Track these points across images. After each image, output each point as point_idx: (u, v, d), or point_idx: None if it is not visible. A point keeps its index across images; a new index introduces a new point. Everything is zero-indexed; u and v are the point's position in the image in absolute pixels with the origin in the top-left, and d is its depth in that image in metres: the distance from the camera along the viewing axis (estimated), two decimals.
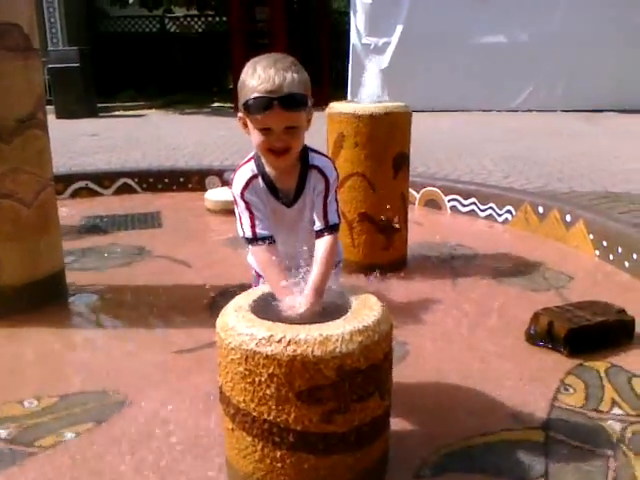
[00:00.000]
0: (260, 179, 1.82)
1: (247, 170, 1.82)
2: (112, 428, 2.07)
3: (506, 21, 10.86)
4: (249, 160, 1.85)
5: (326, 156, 1.90)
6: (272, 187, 1.83)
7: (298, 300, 1.66)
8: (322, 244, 1.78)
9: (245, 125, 1.77)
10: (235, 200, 1.82)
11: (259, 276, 2.02)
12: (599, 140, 7.77)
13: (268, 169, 1.82)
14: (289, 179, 1.83)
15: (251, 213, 1.78)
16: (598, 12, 10.33)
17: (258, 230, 1.78)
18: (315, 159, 1.84)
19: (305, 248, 1.77)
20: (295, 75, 1.67)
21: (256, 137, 1.73)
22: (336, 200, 1.86)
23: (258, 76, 1.66)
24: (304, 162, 1.82)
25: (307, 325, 1.55)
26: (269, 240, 1.78)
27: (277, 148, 1.72)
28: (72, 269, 3.51)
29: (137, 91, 14.26)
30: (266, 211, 1.81)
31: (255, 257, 1.83)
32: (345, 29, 12.50)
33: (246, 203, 1.79)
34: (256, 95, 1.65)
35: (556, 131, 8.63)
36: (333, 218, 1.82)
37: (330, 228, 1.80)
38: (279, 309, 1.66)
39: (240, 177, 1.82)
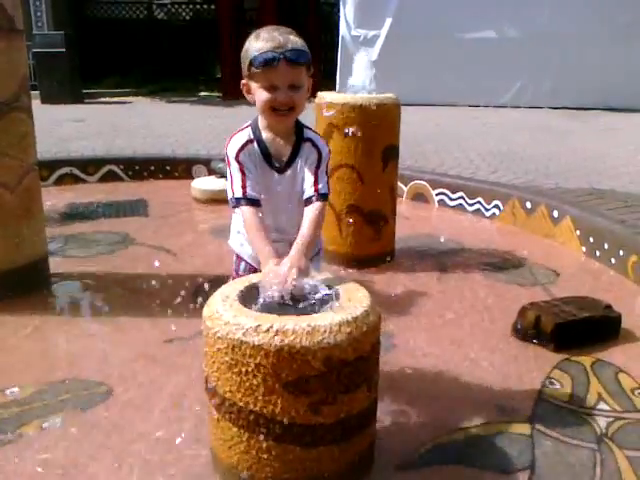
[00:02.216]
0: (255, 144, 1.87)
1: (243, 135, 1.88)
2: (96, 417, 2.04)
3: (495, 17, 10.87)
4: (246, 127, 1.91)
5: (316, 132, 1.98)
6: (266, 153, 1.88)
7: (283, 264, 1.66)
8: (311, 208, 1.84)
9: (248, 91, 1.85)
10: (228, 161, 1.86)
11: (240, 259, 2.06)
12: (585, 137, 7.81)
13: (265, 135, 1.88)
14: (284, 147, 1.89)
15: (243, 174, 1.83)
16: (586, 10, 10.37)
17: (248, 191, 1.81)
18: (309, 133, 1.93)
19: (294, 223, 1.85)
20: (296, 37, 1.81)
21: (261, 96, 1.79)
22: (327, 175, 1.91)
23: (263, 38, 1.76)
24: (299, 134, 1.90)
25: (295, 316, 1.53)
26: (257, 204, 1.82)
27: (282, 105, 1.79)
28: (55, 256, 3.46)
29: (123, 77, 14.10)
30: (257, 176, 1.85)
31: (243, 217, 1.83)
32: (335, 20, 12.45)
33: (240, 164, 1.83)
34: (262, 51, 1.74)
35: (543, 128, 8.67)
36: (324, 188, 1.87)
37: (320, 196, 1.85)
38: (266, 287, 1.63)
39: (236, 140, 1.87)
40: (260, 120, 1.89)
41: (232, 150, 1.86)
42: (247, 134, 1.89)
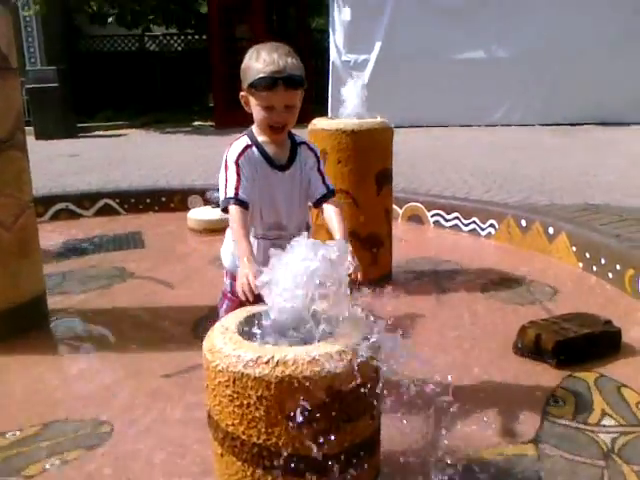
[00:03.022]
0: (254, 148, 1.98)
1: (242, 141, 2.00)
2: (99, 456, 2.02)
3: (483, 37, 11.00)
4: (242, 136, 2.02)
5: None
6: (266, 155, 1.99)
7: (330, 247, 1.54)
8: (331, 206, 2.00)
9: (247, 103, 1.98)
10: (226, 165, 1.94)
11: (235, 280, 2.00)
12: (577, 153, 7.86)
13: (262, 140, 2.00)
14: (281, 151, 2.02)
15: (238, 177, 1.91)
16: (573, 28, 10.51)
17: (240, 192, 1.89)
18: (300, 138, 2.10)
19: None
20: (294, 60, 1.93)
21: (259, 114, 1.94)
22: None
23: (263, 59, 1.88)
24: (292, 139, 2.06)
25: (295, 346, 1.52)
26: (246, 206, 1.89)
27: (277, 124, 1.94)
28: (53, 292, 3.45)
29: (117, 110, 14.18)
30: (256, 180, 1.95)
31: (231, 215, 1.88)
32: (325, 47, 12.57)
33: (237, 167, 1.92)
34: (263, 75, 1.87)
35: (535, 145, 8.73)
36: (330, 184, 2.07)
37: (331, 192, 2.05)
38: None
39: (236, 146, 1.98)
40: (255, 129, 2.01)
41: (232, 154, 1.95)
42: (245, 141, 1.99)
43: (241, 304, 1.79)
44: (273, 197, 2.00)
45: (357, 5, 11.36)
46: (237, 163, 1.94)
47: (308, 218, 2.15)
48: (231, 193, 1.89)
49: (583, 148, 8.28)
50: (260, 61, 1.90)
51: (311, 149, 2.09)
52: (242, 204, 1.89)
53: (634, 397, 2.29)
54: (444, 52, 11.05)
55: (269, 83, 1.88)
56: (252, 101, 1.96)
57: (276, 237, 2.01)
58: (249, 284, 1.65)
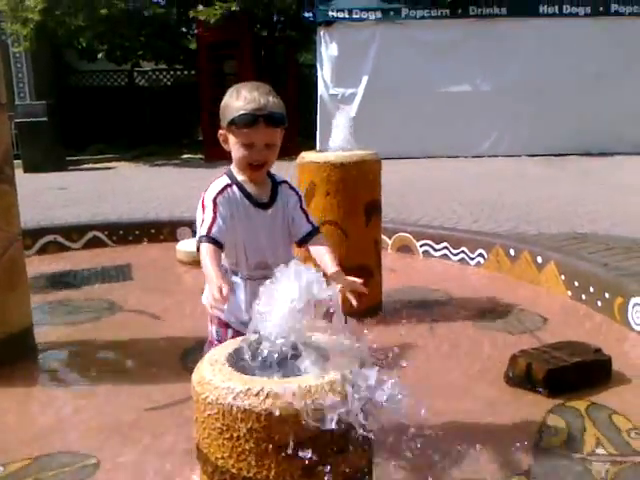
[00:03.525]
0: (235, 187, 1.94)
1: (221, 181, 1.95)
2: None
3: (468, 71, 11.22)
4: (221, 176, 1.99)
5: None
6: (247, 193, 1.95)
7: (332, 282, 1.63)
8: (318, 241, 2.00)
9: (225, 141, 1.95)
10: (203, 205, 1.89)
11: (226, 327, 2.00)
12: (563, 183, 7.96)
13: (242, 179, 1.95)
14: (262, 190, 1.98)
15: (215, 215, 1.85)
16: (556, 62, 10.76)
17: (214, 232, 1.83)
18: (280, 177, 2.06)
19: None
20: (275, 99, 1.91)
21: (238, 152, 1.91)
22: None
23: (244, 97, 1.86)
24: (272, 178, 2.03)
25: (285, 378, 1.51)
26: (218, 245, 1.83)
27: (257, 162, 1.91)
28: (41, 325, 3.41)
29: (106, 144, 14.24)
30: (232, 223, 1.88)
31: (201, 252, 1.82)
32: (312, 81, 12.76)
33: (215, 206, 1.87)
34: (244, 112, 1.85)
35: (521, 175, 8.84)
36: (314, 222, 2.05)
37: (316, 229, 2.03)
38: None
39: (215, 185, 1.93)
40: (234, 168, 1.98)
41: (210, 193, 1.91)
42: (225, 180, 1.96)
43: None
44: (256, 236, 1.95)
45: (344, 40, 11.58)
46: (214, 201, 1.88)
47: (293, 257, 2.05)
48: (204, 232, 1.83)
49: (568, 178, 8.40)
50: (241, 99, 1.88)
51: (292, 188, 2.05)
52: (214, 242, 1.82)
53: (626, 424, 2.28)
54: (430, 85, 11.25)
55: (250, 120, 1.85)
56: (231, 139, 1.93)
57: (262, 277, 1.86)
58: (219, 295, 1.64)
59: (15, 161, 3.37)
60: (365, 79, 11.54)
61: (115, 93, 16.37)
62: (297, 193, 2.05)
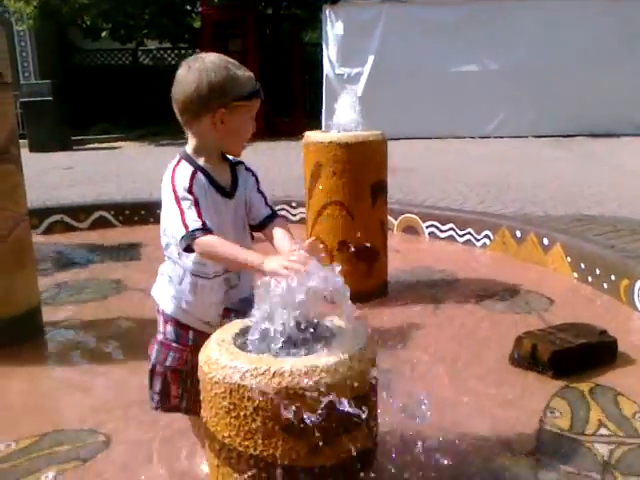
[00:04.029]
0: (200, 174, 1.76)
1: (186, 167, 1.76)
2: (94, 467, 2.01)
3: (475, 50, 11.10)
4: (179, 161, 1.79)
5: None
6: (213, 182, 1.78)
7: (286, 257, 1.53)
8: (277, 225, 1.82)
9: (221, 121, 1.74)
10: (177, 197, 1.69)
11: (186, 329, 1.89)
12: (570, 164, 7.91)
13: (203, 164, 1.78)
14: (223, 173, 1.82)
15: (197, 206, 1.68)
16: (562, 43, 10.65)
17: (207, 222, 1.67)
18: (235, 158, 1.88)
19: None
20: None
21: (247, 127, 1.80)
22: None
23: (236, 67, 1.77)
24: (227, 159, 1.85)
25: (292, 357, 1.52)
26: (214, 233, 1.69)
27: (254, 133, 1.83)
28: (48, 304, 3.44)
29: (111, 123, 14.21)
30: (207, 208, 1.73)
31: (207, 246, 1.66)
32: (318, 60, 12.65)
33: (193, 196, 1.69)
34: (255, 87, 1.77)
35: (528, 156, 8.78)
36: (272, 204, 1.88)
37: (275, 213, 1.86)
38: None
39: (182, 174, 1.74)
40: (191, 152, 1.80)
41: (183, 183, 1.71)
42: (188, 166, 1.77)
43: (195, 350, 1.60)
44: (221, 227, 1.74)
45: (349, 19, 11.45)
46: (191, 192, 1.69)
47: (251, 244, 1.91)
48: (197, 224, 1.65)
49: (575, 159, 8.34)
50: (237, 74, 1.76)
51: (248, 169, 1.89)
52: (211, 233, 1.66)
53: (631, 407, 2.28)
54: (437, 65, 11.14)
55: (258, 89, 1.79)
56: (237, 116, 1.76)
57: (224, 271, 1.82)
58: (296, 266, 1.48)
59: (20, 141, 3.37)
60: (371, 58, 11.44)
61: (119, 72, 16.29)
62: (253, 174, 1.89)
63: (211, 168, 1.79)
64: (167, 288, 1.93)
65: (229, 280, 1.85)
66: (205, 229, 1.66)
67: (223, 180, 1.82)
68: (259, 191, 1.88)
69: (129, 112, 15.00)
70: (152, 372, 1.88)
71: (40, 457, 2.06)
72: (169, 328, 1.91)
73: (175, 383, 1.86)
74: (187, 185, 1.71)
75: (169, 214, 1.72)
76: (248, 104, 1.77)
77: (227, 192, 1.81)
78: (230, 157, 1.86)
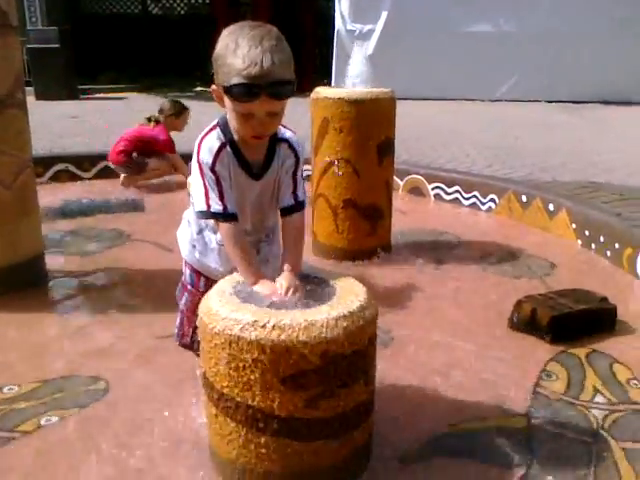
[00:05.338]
0: (229, 148, 1.68)
1: (214, 139, 1.68)
2: (94, 414, 2.04)
3: (491, 10, 10.85)
4: (214, 128, 1.71)
5: (290, 130, 1.80)
6: (240, 158, 1.70)
7: (278, 282, 1.62)
8: (291, 223, 1.76)
9: (220, 98, 1.64)
10: (201, 170, 1.67)
11: (198, 275, 1.92)
12: (581, 131, 7.81)
13: (237, 137, 1.69)
14: (258, 151, 1.72)
15: (220, 186, 1.66)
16: (582, 6, 10.38)
17: (228, 206, 1.67)
18: (284, 132, 1.75)
19: (269, 224, 1.81)
20: (282, 56, 1.53)
21: (235, 120, 1.62)
22: (302, 177, 1.82)
23: (242, 56, 1.51)
24: (273, 134, 1.72)
25: (292, 310, 1.53)
26: (236, 218, 1.69)
27: (258, 133, 1.63)
28: (52, 253, 3.45)
29: (118, 73, 14.04)
30: (231, 185, 1.70)
31: (226, 234, 1.69)
32: (330, 15, 12.39)
33: (216, 175, 1.66)
34: (242, 81, 1.51)
35: (539, 121, 8.67)
36: (302, 194, 1.78)
37: (299, 204, 1.77)
38: (262, 295, 1.62)
39: (209, 146, 1.67)
40: (228, 117, 1.68)
41: (207, 158, 1.66)
42: (218, 137, 1.68)
43: (202, 296, 1.67)
44: (240, 204, 1.73)
45: None
46: (214, 170, 1.66)
47: (276, 223, 1.89)
48: (218, 207, 1.66)
49: (587, 126, 8.23)
50: (239, 55, 1.51)
51: (292, 148, 1.75)
52: (233, 218, 1.68)
53: (626, 374, 2.30)
54: (451, 24, 10.91)
55: (248, 93, 1.52)
56: (227, 102, 1.61)
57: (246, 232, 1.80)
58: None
59: (27, 88, 3.34)
60: (384, 15, 11.19)
61: (128, 21, 16.01)
62: (296, 156, 1.76)
63: (244, 144, 1.69)
64: (186, 232, 1.94)
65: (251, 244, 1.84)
66: (225, 214, 1.67)
67: (254, 157, 1.72)
68: (293, 175, 1.76)
69: (136, 62, 14.80)
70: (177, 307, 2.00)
71: (41, 402, 2.09)
72: (187, 271, 1.97)
73: (188, 322, 1.96)
74: (210, 163, 1.67)
75: (194, 179, 1.71)
76: (231, 98, 1.57)
77: (254, 173, 1.73)
78: (280, 131, 1.74)
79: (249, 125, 1.60)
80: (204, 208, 1.68)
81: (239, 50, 1.52)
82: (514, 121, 8.61)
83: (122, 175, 5.18)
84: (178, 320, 2.02)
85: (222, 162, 1.67)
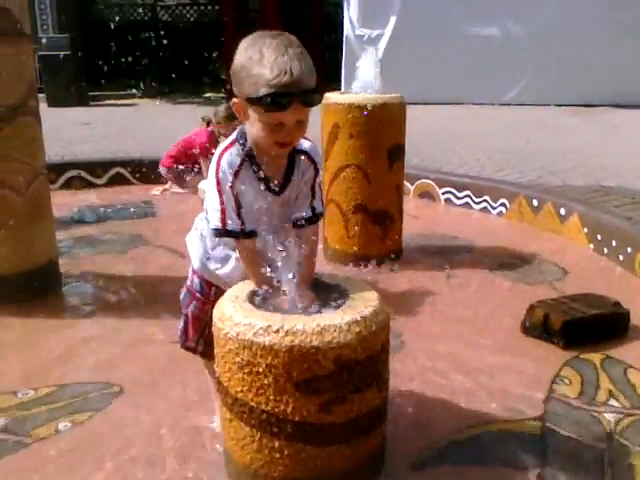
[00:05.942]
0: (248, 164, 1.65)
1: (234, 155, 1.65)
2: (109, 419, 2.06)
3: (500, 14, 10.84)
4: (233, 143, 1.68)
5: (308, 139, 1.76)
6: (261, 176, 1.67)
7: (292, 296, 1.61)
8: (306, 234, 1.75)
9: (243, 111, 1.60)
10: (219, 186, 1.63)
11: (209, 285, 1.89)
12: (591, 134, 7.78)
13: (256, 151, 1.65)
14: (277, 165, 1.69)
15: (238, 203, 1.64)
16: (589, 8, 10.35)
17: (247, 225, 1.66)
18: (301, 143, 1.71)
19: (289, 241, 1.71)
20: (308, 63, 1.53)
21: (262, 131, 1.57)
22: (320, 188, 1.80)
23: (270, 65, 1.48)
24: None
25: (305, 315, 1.54)
26: (254, 235, 1.68)
27: (286, 142, 1.60)
28: (66, 258, 3.48)
29: (128, 80, 14.14)
30: (250, 201, 1.67)
31: (243, 250, 1.70)
32: (339, 20, 12.42)
33: (235, 193, 1.63)
34: (273, 91, 1.48)
35: (548, 125, 8.64)
36: (319, 206, 1.77)
37: (316, 216, 1.76)
38: (277, 303, 1.63)
39: (229, 163, 1.64)
40: (248, 130, 1.65)
41: (226, 174, 1.63)
42: (238, 153, 1.65)
43: (212, 304, 1.67)
44: (259, 219, 1.70)
45: None
46: (233, 187, 1.62)
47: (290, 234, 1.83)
48: (235, 225, 1.64)
49: (597, 129, 8.20)
50: (266, 65, 1.48)
51: (312, 160, 1.72)
52: (250, 235, 1.66)
53: None
54: (459, 29, 10.90)
55: (283, 102, 1.49)
56: (251, 114, 1.56)
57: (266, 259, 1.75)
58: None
59: (39, 95, 3.37)
60: (393, 20, 11.21)
61: (138, 28, 16.11)
62: (315, 168, 1.73)
63: (263, 155, 1.65)
64: (198, 244, 1.90)
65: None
66: (243, 232, 1.66)
67: (275, 175, 1.68)
68: (312, 187, 1.74)
69: (147, 69, 14.89)
70: (180, 311, 1.99)
71: (57, 407, 2.11)
72: (195, 279, 1.93)
73: (193, 328, 1.95)
74: (230, 180, 1.63)
75: (210, 194, 1.67)
76: (259, 109, 1.53)
77: (273, 188, 1.69)
78: (299, 143, 1.69)
79: (277, 135, 1.57)
80: (219, 226, 1.67)
81: (265, 60, 1.49)
82: (523, 125, 8.59)
83: (167, 184, 5.22)
84: (182, 324, 1.99)
85: (241, 179, 1.65)
